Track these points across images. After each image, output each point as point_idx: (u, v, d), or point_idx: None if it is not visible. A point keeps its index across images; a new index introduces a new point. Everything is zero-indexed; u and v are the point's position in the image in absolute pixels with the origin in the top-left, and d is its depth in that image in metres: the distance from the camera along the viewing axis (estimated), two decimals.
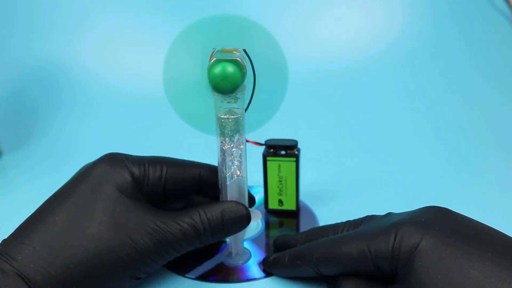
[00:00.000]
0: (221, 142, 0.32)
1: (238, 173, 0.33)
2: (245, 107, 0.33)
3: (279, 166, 0.41)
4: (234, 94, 0.31)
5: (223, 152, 0.33)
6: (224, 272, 0.35)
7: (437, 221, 0.27)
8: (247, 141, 0.37)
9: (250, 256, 0.37)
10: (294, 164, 0.41)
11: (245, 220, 0.33)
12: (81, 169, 0.33)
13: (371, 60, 0.75)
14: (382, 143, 0.60)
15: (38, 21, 0.76)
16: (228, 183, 0.33)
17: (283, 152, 0.41)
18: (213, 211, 0.32)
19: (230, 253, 0.36)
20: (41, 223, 0.29)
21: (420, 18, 0.77)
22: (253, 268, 0.35)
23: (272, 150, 0.41)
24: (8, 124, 0.68)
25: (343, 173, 0.52)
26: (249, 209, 0.34)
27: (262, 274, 0.35)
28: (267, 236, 0.40)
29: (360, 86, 0.72)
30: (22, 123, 0.69)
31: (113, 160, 0.32)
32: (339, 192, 0.48)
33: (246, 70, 0.31)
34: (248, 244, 0.39)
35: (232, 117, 0.31)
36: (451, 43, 0.75)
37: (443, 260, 0.25)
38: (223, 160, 0.33)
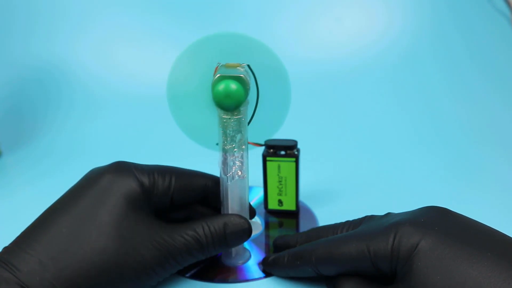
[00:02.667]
0: (223, 142, 0.32)
1: (240, 173, 0.33)
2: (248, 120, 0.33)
3: (279, 166, 0.41)
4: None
5: (224, 152, 0.33)
6: (224, 272, 0.35)
7: (437, 221, 0.27)
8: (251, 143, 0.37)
9: (250, 256, 0.37)
10: (293, 164, 0.41)
11: (247, 233, 0.33)
12: (87, 176, 0.33)
13: (371, 61, 0.75)
14: (382, 143, 0.60)
15: (38, 21, 0.76)
16: (229, 183, 0.33)
17: (282, 153, 0.41)
18: (216, 224, 0.32)
19: (229, 253, 0.36)
20: (46, 233, 0.29)
21: (420, 18, 0.77)
22: (253, 268, 0.36)
23: (271, 150, 0.41)
24: (8, 124, 0.68)
25: (343, 173, 0.52)
26: (250, 220, 0.34)
27: (261, 274, 0.35)
28: (267, 237, 0.40)
29: (360, 86, 0.72)
30: (22, 123, 0.69)
31: (121, 169, 0.32)
32: (338, 192, 0.48)
33: (249, 87, 0.31)
34: (248, 244, 0.39)
35: (235, 117, 0.31)
36: (451, 44, 0.75)
37: (442, 260, 0.25)
38: (224, 160, 0.33)
